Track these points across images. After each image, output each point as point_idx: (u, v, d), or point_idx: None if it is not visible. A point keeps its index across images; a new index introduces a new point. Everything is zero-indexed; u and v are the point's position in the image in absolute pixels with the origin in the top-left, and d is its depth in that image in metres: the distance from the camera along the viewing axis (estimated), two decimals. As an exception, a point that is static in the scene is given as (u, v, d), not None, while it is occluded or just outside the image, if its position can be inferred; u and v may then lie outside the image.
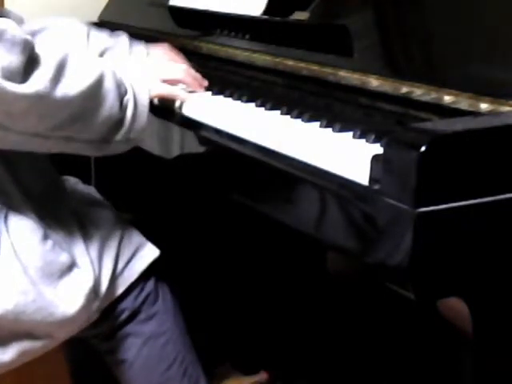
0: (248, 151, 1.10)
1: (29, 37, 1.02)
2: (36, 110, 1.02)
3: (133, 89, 1.14)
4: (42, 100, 1.01)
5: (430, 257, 0.85)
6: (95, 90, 1.07)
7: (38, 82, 1.00)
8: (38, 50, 1.03)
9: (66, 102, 1.04)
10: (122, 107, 1.11)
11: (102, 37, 1.42)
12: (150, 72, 1.22)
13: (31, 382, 1.34)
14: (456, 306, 0.95)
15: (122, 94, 1.11)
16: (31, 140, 1.07)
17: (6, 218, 1.14)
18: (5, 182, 1.16)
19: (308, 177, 0.99)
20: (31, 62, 1.01)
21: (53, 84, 1.02)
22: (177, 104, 1.27)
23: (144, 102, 1.15)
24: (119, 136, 1.13)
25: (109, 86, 1.09)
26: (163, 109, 1.32)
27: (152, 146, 1.45)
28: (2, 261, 1.12)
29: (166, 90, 1.23)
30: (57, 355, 1.33)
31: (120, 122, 1.12)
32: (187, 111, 1.27)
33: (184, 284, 1.53)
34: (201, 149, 1.28)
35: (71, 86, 1.04)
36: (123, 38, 1.42)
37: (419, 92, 1.08)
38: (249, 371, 1.71)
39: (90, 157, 2.05)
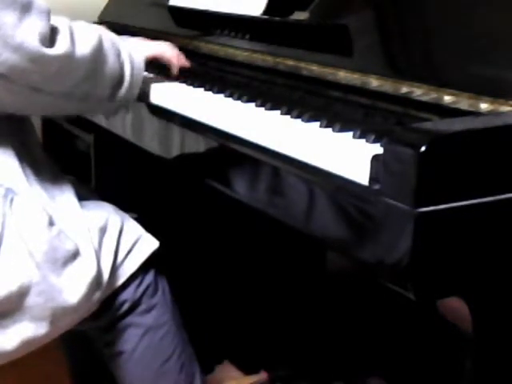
0: (248, 151, 1.10)
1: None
2: (63, 69, 1.13)
3: (126, 49, 1.26)
4: (67, 60, 1.13)
5: (430, 257, 0.85)
6: (99, 49, 1.19)
7: (63, 44, 1.12)
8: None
9: (82, 61, 1.16)
10: (120, 65, 1.23)
11: None
12: (140, 42, 1.38)
13: (31, 382, 1.34)
14: (456, 306, 0.95)
15: (117, 53, 1.23)
16: (57, 100, 1.17)
17: (11, 202, 1.14)
18: (11, 166, 1.17)
19: (308, 177, 0.99)
20: (53, 27, 1.12)
21: (72, 45, 1.14)
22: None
23: (139, 60, 1.28)
24: (122, 93, 1.25)
25: (107, 45, 1.21)
26: (163, 108, 1.32)
27: (152, 145, 1.45)
28: (7, 243, 1.12)
29: (159, 51, 1.39)
30: (57, 354, 1.33)
31: (121, 79, 1.24)
32: (187, 111, 1.27)
33: (184, 283, 1.53)
34: (200, 148, 1.28)
35: (84, 45, 1.16)
36: None
37: (419, 92, 1.08)
38: (249, 371, 1.71)
39: (90, 157, 2.05)
